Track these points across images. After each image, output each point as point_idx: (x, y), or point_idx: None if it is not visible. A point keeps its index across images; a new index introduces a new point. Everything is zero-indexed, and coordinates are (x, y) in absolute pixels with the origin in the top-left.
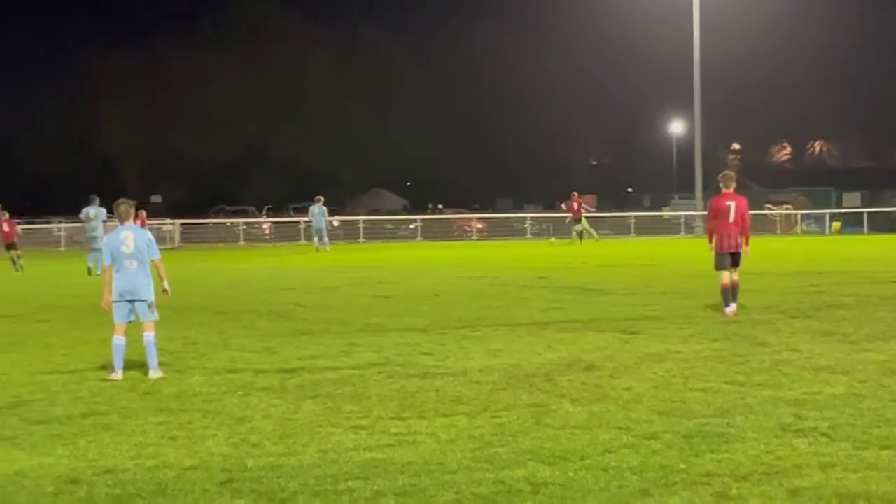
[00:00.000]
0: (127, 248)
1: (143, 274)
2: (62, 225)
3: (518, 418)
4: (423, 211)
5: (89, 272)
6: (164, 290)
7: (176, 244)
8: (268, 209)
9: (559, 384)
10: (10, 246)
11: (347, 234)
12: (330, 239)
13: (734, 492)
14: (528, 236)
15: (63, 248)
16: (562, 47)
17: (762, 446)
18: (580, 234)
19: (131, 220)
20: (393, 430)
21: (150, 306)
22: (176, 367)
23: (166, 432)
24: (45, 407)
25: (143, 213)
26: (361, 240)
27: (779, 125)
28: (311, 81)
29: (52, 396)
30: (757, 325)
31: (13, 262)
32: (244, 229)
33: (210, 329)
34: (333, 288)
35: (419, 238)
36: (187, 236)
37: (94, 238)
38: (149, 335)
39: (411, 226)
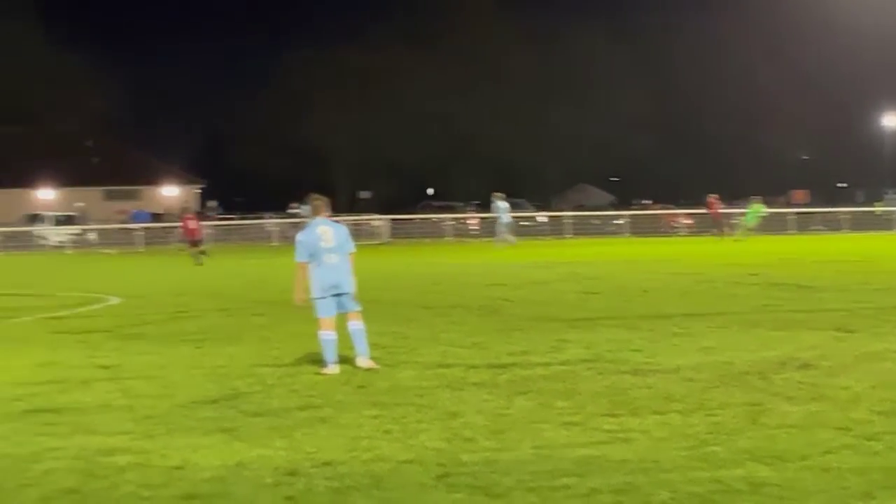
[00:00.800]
0: (326, 243)
1: (344, 266)
2: (274, 221)
3: (733, 417)
4: (629, 206)
5: None
6: None
7: (385, 239)
8: (476, 205)
9: (774, 383)
10: (195, 243)
11: (553, 230)
12: (536, 235)
13: None
14: (737, 232)
15: (275, 244)
16: (771, 38)
17: None
18: (722, 233)
19: (324, 215)
20: (606, 427)
21: (353, 297)
22: (387, 361)
23: (381, 426)
24: (262, 399)
25: None
26: (567, 235)
27: None
28: (517, 77)
29: (269, 389)
30: None
31: (195, 257)
32: (452, 224)
33: (420, 324)
34: (541, 283)
35: (626, 234)
36: (396, 231)
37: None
38: (357, 324)
39: (617, 221)
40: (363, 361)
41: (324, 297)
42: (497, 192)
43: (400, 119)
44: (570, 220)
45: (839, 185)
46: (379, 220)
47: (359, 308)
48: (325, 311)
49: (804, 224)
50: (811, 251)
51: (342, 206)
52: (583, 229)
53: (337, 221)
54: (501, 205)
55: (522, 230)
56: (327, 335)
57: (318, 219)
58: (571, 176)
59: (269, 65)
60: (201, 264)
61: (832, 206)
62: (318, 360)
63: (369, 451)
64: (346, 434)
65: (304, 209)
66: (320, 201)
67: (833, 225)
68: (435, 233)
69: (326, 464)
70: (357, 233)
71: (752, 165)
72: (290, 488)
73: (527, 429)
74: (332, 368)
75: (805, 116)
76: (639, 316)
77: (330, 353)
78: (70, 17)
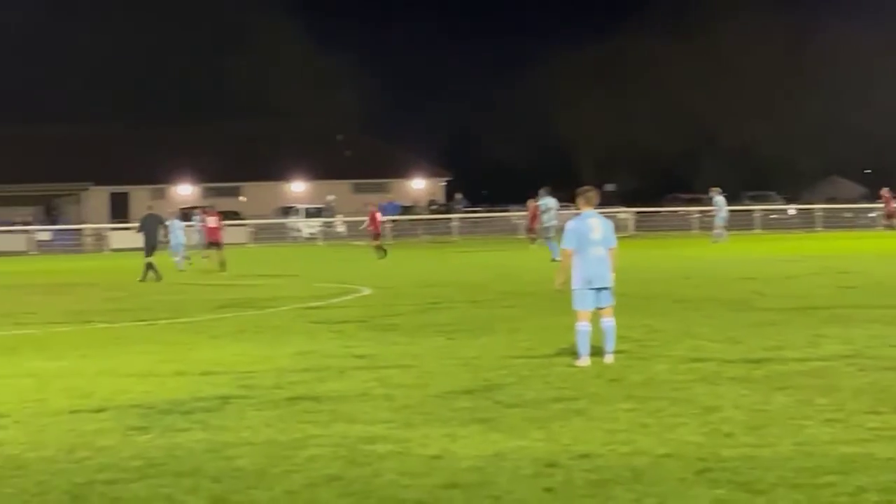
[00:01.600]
0: (595, 235)
1: (606, 261)
2: (520, 213)
3: None
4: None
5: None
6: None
7: (630, 232)
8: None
9: None
10: (376, 236)
11: (804, 222)
12: (785, 228)
13: None
14: None
15: (521, 237)
16: None
17: None
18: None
19: (593, 208)
20: (869, 425)
21: (611, 292)
22: (640, 354)
23: (636, 419)
24: (516, 390)
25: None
26: (818, 228)
27: None
28: (766, 68)
29: (523, 381)
30: None
31: (377, 251)
32: (698, 217)
33: (671, 317)
34: (793, 277)
35: (880, 227)
36: (641, 224)
37: (548, 228)
38: (609, 321)
39: (871, 214)
40: (609, 359)
41: (584, 290)
42: (714, 186)
43: (649, 111)
44: (821, 213)
45: None
46: (625, 213)
47: (612, 303)
48: (583, 304)
49: None
50: None
51: None
52: (834, 222)
53: (603, 215)
54: (719, 199)
55: (772, 223)
56: (583, 327)
57: (589, 210)
58: (823, 168)
59: (519, 57)
60: (383, 257)
61: None
62: (569, 352)
63: (627, 445)
64: (602, 427)
65: (543, 203)
66: (592, 192)
67: None
68: (682, 226)
69: (584, 456)
70: None
71: None
72: (550, 480)
73: (786, 425)
74: (585, 360)
75: None
76: None
77: (584, 346)
78: (324, 15)
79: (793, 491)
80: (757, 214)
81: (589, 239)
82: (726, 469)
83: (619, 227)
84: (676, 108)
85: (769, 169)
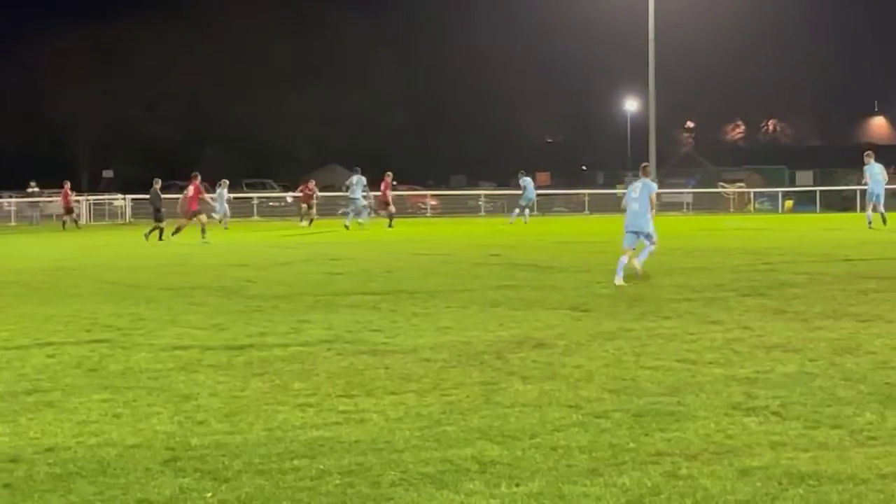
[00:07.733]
0: (634, 193)
1: (643, 212)
2: (13, 200)
3: (468, 396)
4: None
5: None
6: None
7: (128, 219)
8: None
9: (510, 362)
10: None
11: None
12: (284, 216)
13: (684, 471)
14: (482, 213)
15: (13, 224)
16: (517, 22)
17: (712, 425)
18: None
19: (647, 178)
20: (340, 408)
21: (647, 236)
22: (123, 343)
23: (110, 410)
24: None
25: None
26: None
27: (733, 103)
28: (270, 57)
29: None
30: (709, 303)
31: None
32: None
33: (158, 305)
34: (285, 264)
35: (372, 215)
36: (137, 211)
37: (354, 200)
38: (642, 255)
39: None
40: (637, 263)
41: (626, 233)
42: (224, 178)
43: (147, 96)
44: (317, 202)
45: (582, 167)
46: (121, 200)
47: (648, 244)
48: (626, 243)
49: (547, 206)
50: (553, 232)
51: (84, 185)
52: (332, 210)
53: (652, 182)
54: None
55: (270, 210)
56: (622, 259)
57: (642, 178)
58: (322, 156)
59: (15, 37)
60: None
61: (574, 189)
62: (48, 343)
63: (97, 436)
64: (73, 419)
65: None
66: (648, 166)
67: (575, 206)
68: (181, 214)
69: (50, 449)
70: (99, 213)
71: (495, 147)
72: (10, 476)
73: (261, 411)
74: (618, 280)
75: (549, 100)
76: (381, 297)
77: (619, 271)
78: None
79: (258, 476)
80: (255, 202)
81: (630, 197)
82: (195, 457)
83: (115, 214)
84: (179, 94)
85: (271, 157)
